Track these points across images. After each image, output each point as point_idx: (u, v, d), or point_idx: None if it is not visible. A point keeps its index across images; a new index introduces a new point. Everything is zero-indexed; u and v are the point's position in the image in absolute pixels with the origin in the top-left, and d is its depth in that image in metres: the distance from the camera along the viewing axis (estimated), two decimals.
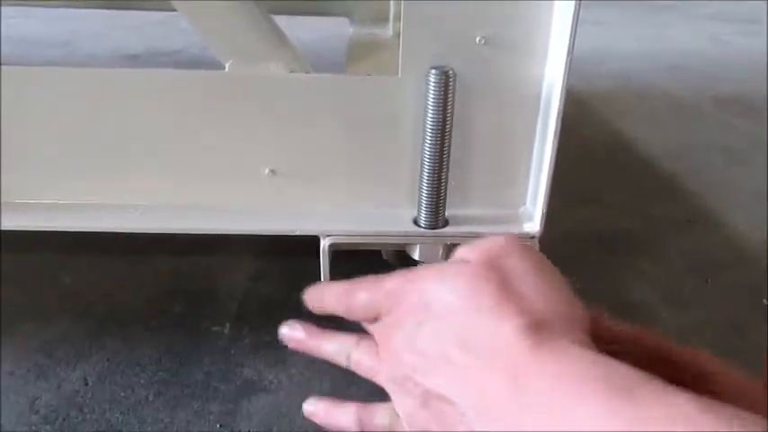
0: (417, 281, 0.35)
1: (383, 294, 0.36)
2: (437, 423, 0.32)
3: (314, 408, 0.39)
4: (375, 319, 0.37)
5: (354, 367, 0.38)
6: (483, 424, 0.30)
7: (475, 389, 0.30)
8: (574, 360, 0.28)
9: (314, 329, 0.40)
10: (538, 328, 0.30)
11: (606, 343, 0.33)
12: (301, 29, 1.59)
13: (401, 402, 0.35)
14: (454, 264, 0.35)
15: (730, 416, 0.24)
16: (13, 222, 0.58)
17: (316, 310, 0.40)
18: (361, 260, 0.72)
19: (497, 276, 0.32)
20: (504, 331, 0.30)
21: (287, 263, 0.88)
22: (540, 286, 0.32)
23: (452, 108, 0.52)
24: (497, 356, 0.30)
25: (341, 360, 0.39)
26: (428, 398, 0.33)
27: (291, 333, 0.40)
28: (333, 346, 0.39)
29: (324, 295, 0.39)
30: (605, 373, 0.27)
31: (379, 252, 0.76)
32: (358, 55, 0.92)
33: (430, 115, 0.52)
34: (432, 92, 0.51)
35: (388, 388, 0.36)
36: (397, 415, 0.35)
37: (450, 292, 0.33)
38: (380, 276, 0.37)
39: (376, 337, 0.37)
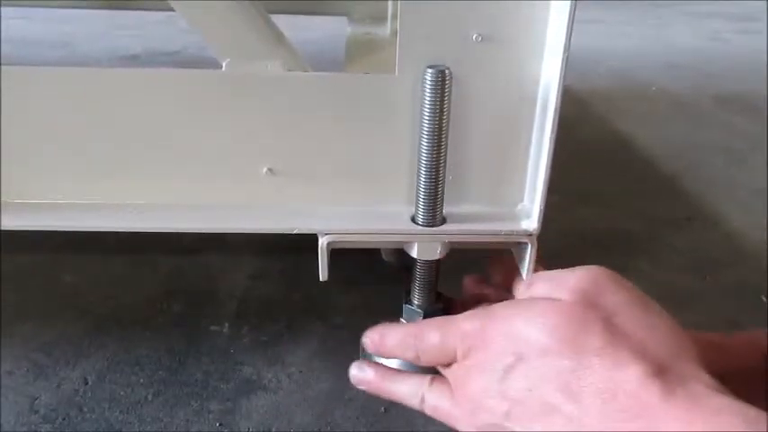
0: (501, 321, 0.32)
1: (459, 336, 0.34)
2: None
3: None
4: (447, 364, 0.35)
5: (430, 412, 0.36)
6: None
7: None
8: (714, 409, 0.26)
9: (384, 370, 0.38)
10: (662, 372, 0.28)
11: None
12: (301, 28, 1.59)
13: None
14: (542, 302, 0.32)
15: None
16: (11, 222, 0.58)
17: (378, 354, 0.38)
18: (360, 258, 0.73)
19: (599, 316, 0.30)
20: (625, 378, 0.28)
21: (286, 262, 0.88)
22: (645, 323, 0.30)
23: (449, 107, 0.52)
24: (621, 405, 0.27)
25: (414, 403, 0.37)
26: None
27: (361, 375, 0.39)
28: (405, 388, 0.37)
29: (387, 338, 0.38)
30: (751, 423, 0.25)
31: (378, 250, 0.76)
32: (356, 54, 0.92)
33: (426, 114, 0.52)
34: (428, 91, 0.51)
35: None
36: None
37: (543, 333, 0.30)
38: (451, 317, 0.35)
39: (452, 380, 0.35)
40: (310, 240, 0.60)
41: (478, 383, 0.32)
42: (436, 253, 0.59)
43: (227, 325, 0.76)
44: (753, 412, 0.26)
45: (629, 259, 0.95)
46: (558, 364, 0.29)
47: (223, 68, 0.57)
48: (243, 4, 0.55)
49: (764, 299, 0.86)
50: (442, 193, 0.56)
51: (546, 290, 0.32)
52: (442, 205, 0.57)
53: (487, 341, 0.32)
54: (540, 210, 0.57)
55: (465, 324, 0.34)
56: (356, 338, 0.70)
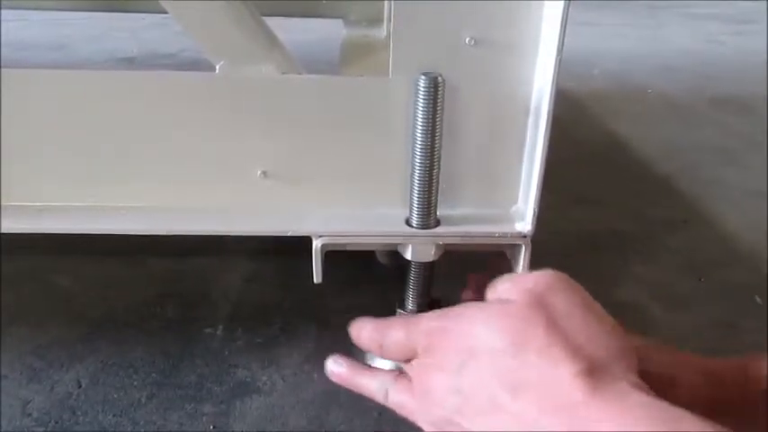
0: (459, 321, 0.34)
1: (421, 333, 0.35)
2: None
3: None
4: (409, 360, 0.37)
5: (393, 407, 0.38)
6: None
7: None
8: (634, 406, 0.28)
9: (356, 365, 0.41)
10: (593, 372, 0.29)
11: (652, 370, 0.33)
12: (298, 31, 1.59)
13: None
14: (497, 303, 0.33)
15: None
16: (10, 225, 0.58)
17: (358, 344, 0.40)
18: (356, 261, 0.73)
19: (544, 317, 0.31)
20: (559, 376, 0.29)
21: (280, 264, 0.88)
22: (588, 325, 0.31)
23: (442, 113, 0.52)
24: (554, 402, 0.29)
25: (379, 398, 0.39)
26: None
27: (335, 368, 0.41)
28: (373, 384, 0.39)
29: (361, 331, 0.40)
30: (668, 420, 0.27)
31: (373, 253, 0.76)
32: (352, 56, 0.92)
33: (420, 121, 0.52)
34: (421, 98, 0.51)
35: (427, 429, 0.35)
36: None
37: (494, 333, 0.32)
38: (417, 315, 0.37)
39: (412, 376, 0.36)
40: (305, 242, 0.59)
41: (435, 379, 0.34)
42: (430, 255, 0.59)
43: (221, 327, 0.76)
44: (672, 410, 0.27)
45: (625, 260, 0.95)
46: (504, 363, 0.31)
47: (217, 71, 0.57)
48: (236, 6, 0.55)
49: (759, 300, 0.86)
50: (436, 195, 0.56)
51: (505, 292, 0.34)
52: (436, 207, 0.57)
53: (446, 340, 0.34)
54: (534, 211, 0.57)
55: (427, 322, 0.36)
56: (351, 340, 0.70)
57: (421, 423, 0.35)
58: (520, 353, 0.30)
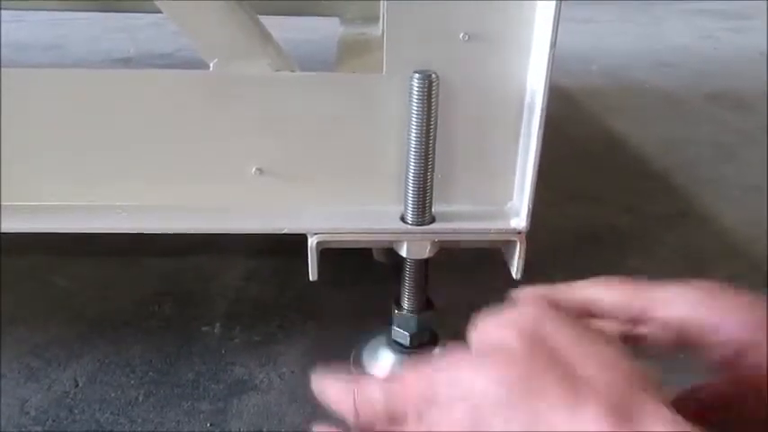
0: (453, 380, 0.29)
1: (408, 399, 0.30)
2: None
3: None
4: (385, 426, 0.31)
5: None
6: None
7: None
8: None
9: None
10: (618, 410, 0.25)
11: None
12: (302, 30, 1.59)
13: None
14: (491, 353, 0.29)
15: None
16: (10, 225, 0.58)
17: (323, 401, 0.34)
18: (355, 259, 0.73)
19: (545, 356, 0.28)
20: (582, 420, 0.25)
21: (277, 262, 0.88)
22: (595, 358, 0.28)
23: (436, 111, 0.52)
24: None
25: None
26: None
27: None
28: None
29: (327, 387, 0.34)
30: None
31: (371, 251, 0.76)
32: (348, 54, 0.92)
33: (414, 118, 0.52)
34: (415, 96, 0.52)
35: None
36: None
37: (494, 382, 0.28)
38: (395, 376, 0.32)
39: None
40: (302, 240, 0.60)
41: None
42: (426, 252, 0.59)
43: (218, 326, 0.76)
44: None
45: (623, 256, 0.95)
46: (514, 417, 0.27)
47: (211, 69, 0.57)
48: (230, 4, 0.55)
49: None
50: (431, 192, 0.56)
51: (489, 337, 0.30)
52: (431, 204, 0.57)
53: (437, 399, 0.29)
54: (529, 208, 0.57)
55: (413, 383, 0.31)
56: (348, 338, 0.70)
57: None
58: (532, 403, 0.27)
